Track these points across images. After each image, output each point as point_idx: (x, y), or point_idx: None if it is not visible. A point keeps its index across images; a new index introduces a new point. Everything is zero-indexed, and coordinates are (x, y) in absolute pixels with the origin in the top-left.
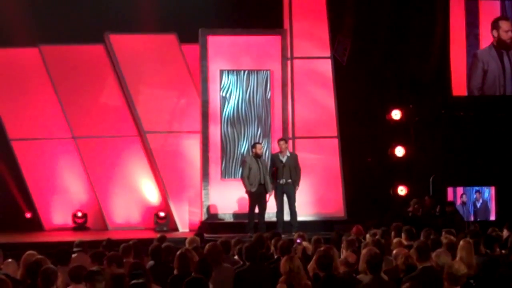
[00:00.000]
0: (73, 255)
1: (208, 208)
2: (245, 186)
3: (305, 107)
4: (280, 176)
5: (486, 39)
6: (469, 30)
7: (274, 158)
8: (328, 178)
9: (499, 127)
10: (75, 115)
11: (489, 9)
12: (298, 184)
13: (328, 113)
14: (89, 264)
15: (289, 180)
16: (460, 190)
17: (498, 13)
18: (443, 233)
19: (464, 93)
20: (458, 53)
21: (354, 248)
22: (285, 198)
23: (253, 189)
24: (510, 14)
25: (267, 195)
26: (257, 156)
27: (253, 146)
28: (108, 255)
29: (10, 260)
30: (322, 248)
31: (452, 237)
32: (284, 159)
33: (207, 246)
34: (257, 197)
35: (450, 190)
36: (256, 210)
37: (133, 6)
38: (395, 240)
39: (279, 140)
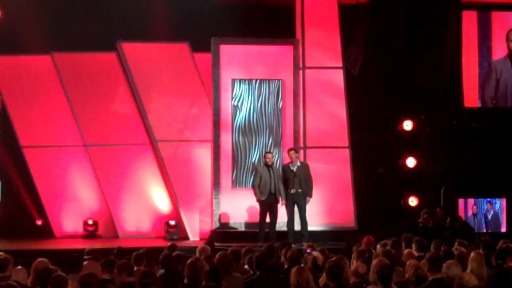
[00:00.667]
0: (84, 263)
1: (218, 217)
2: (255, 194)
3: (317, 117)
4: (290, 186)
5: (498, 50)
6: (481, 41)
7: (285, 168)
8: (339, 188)
9: (510, 139)
10: (87, 123)
11: (502, 20)
12: (310, 195)
13: (340, 123)
14: (100, 272)
15: (300, 190)
16: (471, 201)
17: (511, 24)
18: (456, 244)
19: (476, 104)
20: (470, 64)
21: (364, 258)
22: (296, 208)
23: (263, 198)
24: None
25: (279, 204)
26: (268, 165)
27: (265, 155)
28: (119, 263)
29: (19, 267)
30: (333, 259)
31: (463, 249)
32: (294, 169)
33: (217, 255)
34: (267, 206)
35: (461, 201)
36: (267, 219)
37: (146, 14)
38: (405, 251)
39: (289, 150)
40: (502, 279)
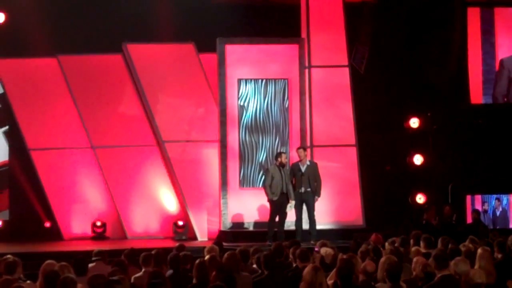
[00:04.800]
0: (90, 265)
1: (226, 217)
2: (267, 194)
3: (323, 115)
4: (299, 185)
5: (502, 47)
6: (485, 38)
7: (294, 167)
8: (346, 186)
9: None
10: (94, 125)
11: (504, 17)
12: (319, 195)
13: (346, 121)
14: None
15: (308, 189)
16: (478, 197)
17: None
18: (467, 241)
19: (480, 101)
20: (476, 61)
21: (369, 258)
22: (304, 207)
23: (275, 198)
24: None
25: (289, 204)
26: (281, 165)
27: (279, 155)
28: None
29: (28, 282)
30: (344, 257)
31: (470, 245)
32: (303, 168)
33: (225, 255)
34: (278, 206)
35: (468, 198)
36: (276, 219)
37: (151, 15)
38: (413, 249)
39: (297, 149)
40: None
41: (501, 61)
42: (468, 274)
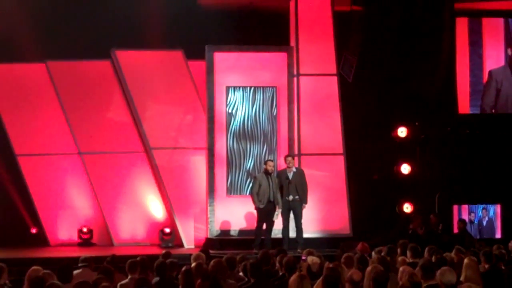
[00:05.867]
0: (76, 271)
1: (213, 224)
2: (254, 202)
3: (311, 124)
4: (286, 193)
5: (491, 58)
6: (473, 49)
7: (280, 174)
8: (333, 195)
9: (504, 145)
10: (82, 131)
11: (493, 28)
12: (306, 202)
13: (334, 130)
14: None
15: (296, 197)
16: (465, 207)
17: (502, 31)
18: (454, 250)
19: (467, 111)
20: (464, 71)
21: (355, 265)
22: (291, 215)
23: (261, 206)
24: None
25: (276, 212)
26: (268, 173)
27: (265, 163)
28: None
29: None
30: (330, 266)
31: (456, 255)
32: (290, 175)
33: (211, 262)
34: (265, 214)
35: (455, 207)
36: (264, 226)
37: (140, 22)
38: (399, 258)
39: (286, 157)
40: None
41: (490, 72)
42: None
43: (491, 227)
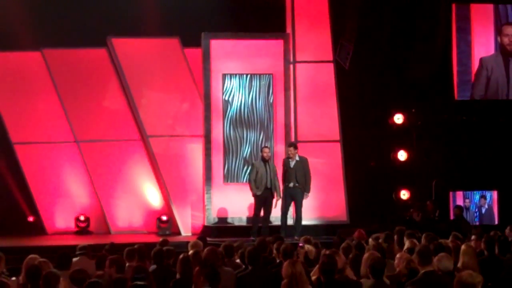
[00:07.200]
0: (74, 259)
1: (210, 212)
2: (251, 189)
3: (308, 111)
4: (288, 179)
5: (479, 45)
6: (460, 36)
7: (285, 162)
8: (330, 182)
9: (501, 131)
10: (78, 119)
11: (482, 14)
12: (308, 191)
13: (331, 117)
14: (93, 269)
15: (297, 184)
16: (460, 194)
17: (491, 18)
18: (451, 237)
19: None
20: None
21: (352, 253)
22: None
23: (259, 193)
24: (504, 18)
25: (274, 200)
26: (264, 160)
27: (261, 150)
28: (112, 257)
29: (14, 278)
30: (327, 253)
31: (454, 242)
32: (292, 164)
33: (206, 250)
34: (262, 201)
35: (452, 194)
36: (261, 213)
37: (136, 10)
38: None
39: (288, 145)
40: (493, 268)
41: (481, 60)
42: (461, 277)
43: (491, 214)
